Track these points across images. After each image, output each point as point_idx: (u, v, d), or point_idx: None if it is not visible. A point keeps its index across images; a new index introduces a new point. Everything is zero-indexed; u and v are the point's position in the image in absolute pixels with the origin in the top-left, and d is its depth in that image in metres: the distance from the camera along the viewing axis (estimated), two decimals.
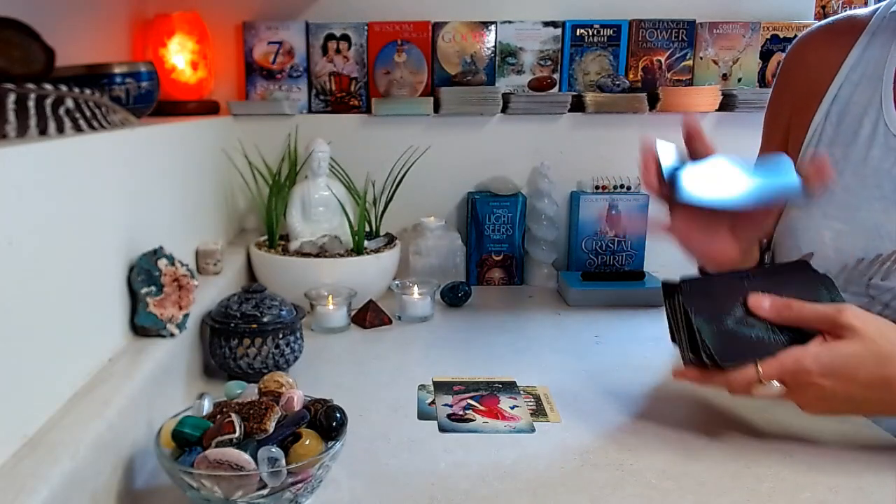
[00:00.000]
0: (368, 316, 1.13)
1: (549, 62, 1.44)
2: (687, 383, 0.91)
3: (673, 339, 0.75)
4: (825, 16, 1.64)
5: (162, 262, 0.80)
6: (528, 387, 0.90)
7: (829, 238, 0.83)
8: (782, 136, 0.94)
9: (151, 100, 1.02)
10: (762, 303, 0.70)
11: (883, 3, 0.88)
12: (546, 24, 1.42)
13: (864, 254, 0.80)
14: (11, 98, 0.63)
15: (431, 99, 1.40)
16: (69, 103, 0.71)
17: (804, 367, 0.66)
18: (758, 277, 0.73)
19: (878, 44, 0.85)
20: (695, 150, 0.76)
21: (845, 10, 0.96)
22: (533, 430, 0.79)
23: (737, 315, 0.70)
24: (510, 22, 1.43)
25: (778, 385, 0.67)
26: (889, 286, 0.79)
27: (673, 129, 1.45)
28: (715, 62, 1.45)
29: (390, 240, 1.29)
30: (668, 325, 0.75)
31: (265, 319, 0.89)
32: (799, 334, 0.69)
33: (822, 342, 0.67)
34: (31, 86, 0.66)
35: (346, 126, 1.42)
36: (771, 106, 0.98)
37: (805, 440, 0.76)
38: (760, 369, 0.67)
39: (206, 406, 0.66)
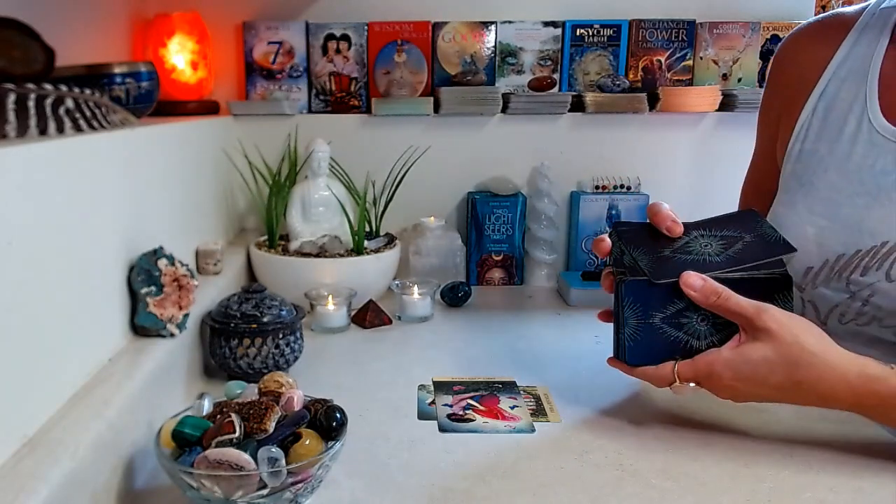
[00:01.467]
0: (368, 316, 1.13)
1: (549, 62, 1.44)
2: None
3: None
4: None
5: (162, 262, 0.80)
6: (528, 387, 0.90)
7: (812, 234, 0.83)
8: (773, 132, 0.95)
9: (151, 100, 1.02)
10: (694, 283, 0.71)
11: (872, 1, 0.88)
12: (546, 24, 1.42)
13: (845, 249, 0.81)
14: (11, 98, 0.63)
15: (431, 99, 1.40)
16: (69, 103, 0.71)
17: (716, 371, 0.70)
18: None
19: (866, 41, 0.86)
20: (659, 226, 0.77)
21: (824, 13, 0.96)
22: (533, 430, 0.79)
23: (668, 312, 0.73)
24: (510, 22, 1.43)
25: (693, 385, 0.72)
26: (868, 282, 0.79)
27: (672, 128, 1.47)
28: (715, 62, 1.45)
29: (390, 240, 1.29)
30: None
31: (265, 319, 0.89)
32: (723, 337, 0.72)
33: (736, 345, 0.70)
34: (31, 86, 0.66)
35: (346, 126, 1.42)
36: (763, 104, 0.99)
37: (805, 440, 0.76)
38: (677, 370, 0.72)
39: (206, 406, 0.66)
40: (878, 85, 0.83)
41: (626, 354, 0.75)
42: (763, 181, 0.96)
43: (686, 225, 0.77)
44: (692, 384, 0.72)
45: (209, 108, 1.37)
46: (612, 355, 0.79)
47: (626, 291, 0.73)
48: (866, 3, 0.89)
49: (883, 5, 0.87)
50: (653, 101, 1.40)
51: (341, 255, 1.20)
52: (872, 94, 0.83)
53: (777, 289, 0.73)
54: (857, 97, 0.84)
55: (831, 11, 0.94)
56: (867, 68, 0.84)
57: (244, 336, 0.89)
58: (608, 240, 0.79)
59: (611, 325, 0.79)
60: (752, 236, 0.75)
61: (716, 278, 0.72)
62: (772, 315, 0.68)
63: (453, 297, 1.24)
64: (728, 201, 1.05)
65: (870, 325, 0.80)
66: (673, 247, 0.75)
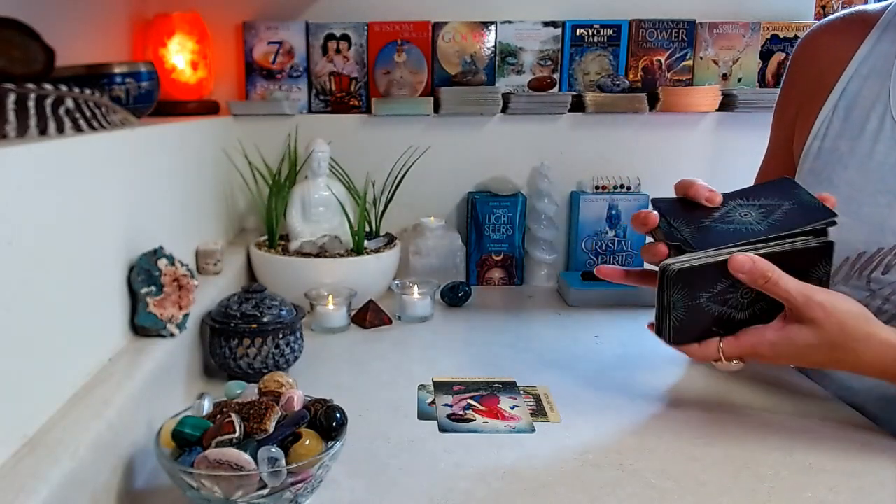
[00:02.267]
0: (368, 316, 1.13)
1: (549, 62, 1.44)
2: (687, 384, 0.91)
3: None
4: (825, 16, 1.64)
5: (162, 262, 0.80)
6: (528, 387, 0.90)
7: (832, 231, 0.82)
8: (789, 130, 0.94)
9: (151, 100, 1.02)
10: (743, 266, 0.69)
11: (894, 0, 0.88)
12: (546, 24, 1.42)
13: (866, 247, 0.80)
14: (11, 98, 0.63)
15: (431, 99, 1.40)
16: (69, 103, 0.71)
17: (759, 352, 0.72)
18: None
19: (889, 39, 0.86)
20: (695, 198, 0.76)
21: (845, 10, 0.96)
22: (533, 430, 0.79)
23: (714, 291, 0.72)
24: (510, 22, 1.43)
25: (736, 362, 0.74)
26: (889, 280, 0.79)
27: (672, 128, 1.47)
28: (715, 62, 1.45)
29: (390, 240, 1.29)
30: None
31: (265, 319, 0.89)
32: (765, 306, 0.72)
33: (781, 326, 0.71)
34: (31, 86, 0.66)
35: (346, 126, 1.42)
36: (779, 102, 0.99)
37: (805, 440, 0.76)
38: (721, 348, 0.73)
39: (206, 406, 0.66)
40: None
41: (671, 335, 0.74)
42: None
43: (723, 196, 0.77)
44: (735, 361, 0.74)
45: (209, 108, 1.37)
46: (651, 323, 0.77)
47: (675, 279, 0.72)
48: (888, 2, 0.88)
49: None
50: (653, 101, 1.40)
51: (341, 255, 1.20)
52: None
53: (820, 256, 0.72)
54: (879, 95, 0.84)
55: (853, 9, 0.93)
56: (890, 66, 0.84)
57: (244, 336, 0.89)
58: (654, 213, 0.76)
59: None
60: (790, 203, 0.74)
61: (763, 254, 0.70)
62: (819, 303, 0.68)
63: (453, 297, 1.24)
64: None
65: (888, 323, 0.80)
66: (713, 217, 0.74)
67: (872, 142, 0.83)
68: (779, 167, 0.96)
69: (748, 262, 0.69)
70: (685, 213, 0.76)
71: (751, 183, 1.05)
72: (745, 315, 0.73)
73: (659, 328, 0.75)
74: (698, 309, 0.72)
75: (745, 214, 0.74)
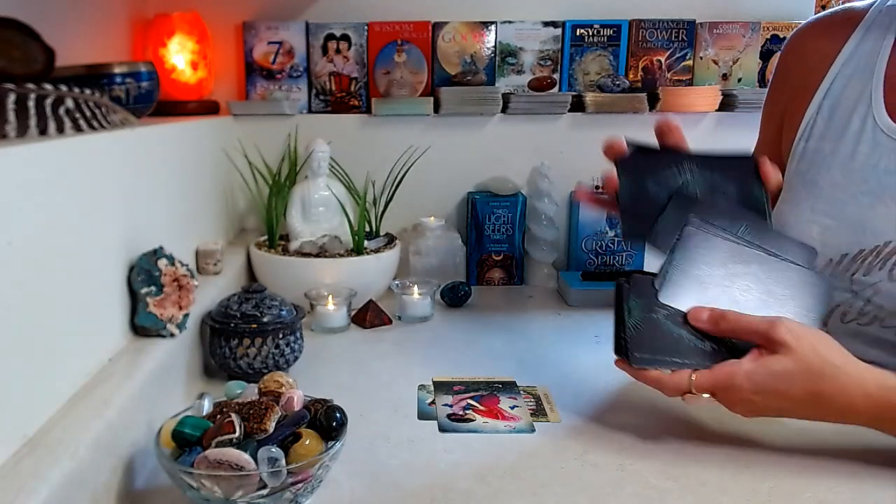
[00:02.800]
0: (368, 316, 1.13)
1: (549, 62, 1.44)
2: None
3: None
4: None
5: (162, 262, 0.80)
6: (528, 387, 0.90)
7: (816, 233, 0.83)
8: (777, 130, 0.94)
9: (151, 100, 1.02)
10: (700, 315, 0.71)
11: None
12: (546, 24, 1.42)
13: (848, 249, 0.80)
14: (11, 98, 0.63)
15: (431, 99, 1.40)
16: (69, 103, 0.71)
17: (736, 384, 0.68)
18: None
19: (872, 38, 0.85)
20: (667, 144, 0.82)
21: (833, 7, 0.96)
22: (533, 430, 0.79)
23: (670, 310, 0.73)
24: (510, 22, 1.43)
25: (707, 396, 0.70)
26: (871, 281, 0.79)
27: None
28: (715, 62, 1.45)
29: (390, 240, 1.29)
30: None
31: (265, 319, 0.89)
32: (726, 343, 0.72)
33: (755, 358, 0.68)
34: (31, 86, 0.66)
35: (346, 126, 1.42)
36: (768, 98, 0.98)
37: (805, 440, 0.76)
38: (693, 380, 0.69)
39: (206, 406, 0.66)
40: (883, 83, 0.83)
41: (629, 346, 0.72)
42: None
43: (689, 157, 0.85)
44: (706, 395, 0.70)
45: (209, 108, 1.37)
46: (615, 356, 0.76)
47: (629, 287, 0.74)
48: (874, 0, 0.89)
49: (889, 2, 0.86)
50: (653, 101, 1.40)
51: (341, 255, 1.20)
52: (878, 92, 0.82)
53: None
54: (861, 95, 0.84)
55: (840, 6, 0.93)
56: (873, 66, 0.84)
57: (244, 336, 0.89)
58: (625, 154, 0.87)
59: (611, 320, 0.79)
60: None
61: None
62: (787, 327, 0.67)
63: (453, 297, 1.24)
64: None
65: (871, 325, 0.80)
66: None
67: (855, 143, 0.83)
68: None
69: (705, 311, 0.71)
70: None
71: None
72: (707, 347, 0.71)
73: (617, 346, 0.75)
74: (655, 324, 0.72)
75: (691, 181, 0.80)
